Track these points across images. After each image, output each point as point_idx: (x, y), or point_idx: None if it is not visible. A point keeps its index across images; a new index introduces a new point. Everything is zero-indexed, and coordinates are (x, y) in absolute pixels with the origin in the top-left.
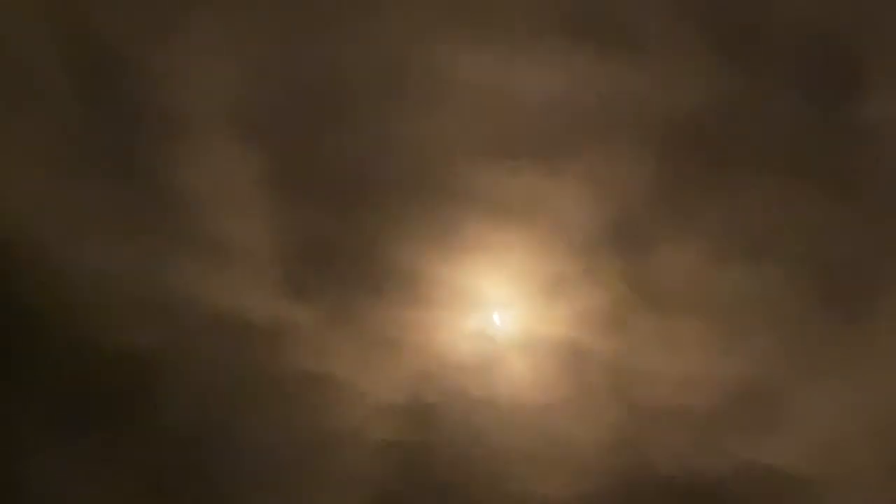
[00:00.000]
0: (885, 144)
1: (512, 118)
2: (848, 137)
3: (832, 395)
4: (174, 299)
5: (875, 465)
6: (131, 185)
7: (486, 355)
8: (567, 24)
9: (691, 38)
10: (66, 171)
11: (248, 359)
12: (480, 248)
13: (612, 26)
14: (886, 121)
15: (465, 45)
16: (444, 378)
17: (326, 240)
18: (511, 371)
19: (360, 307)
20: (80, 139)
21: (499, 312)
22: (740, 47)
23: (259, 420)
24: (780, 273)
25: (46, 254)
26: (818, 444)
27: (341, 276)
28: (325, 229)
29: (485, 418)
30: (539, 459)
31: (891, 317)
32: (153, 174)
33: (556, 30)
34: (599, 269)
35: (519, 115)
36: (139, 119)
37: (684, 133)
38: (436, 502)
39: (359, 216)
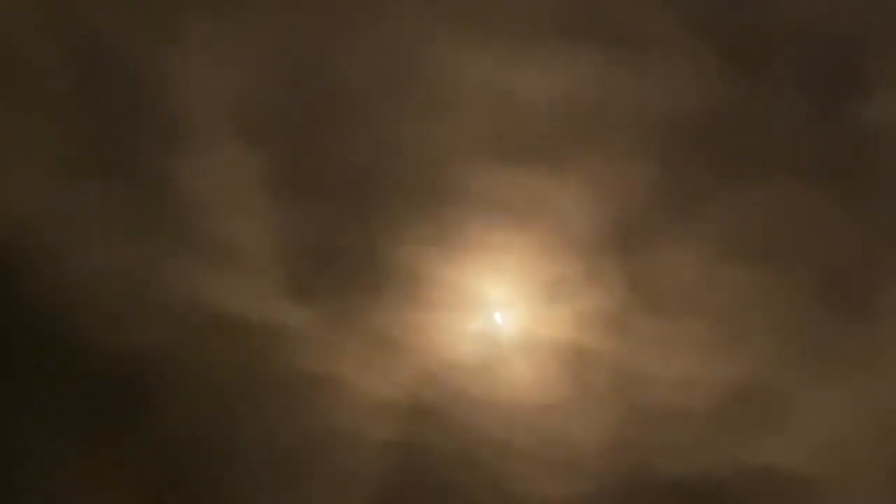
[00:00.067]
0: (886, 146)
1: (514, 119)
2: (849, 139)
3: (833, 395)
4: (175, 299)
5: (876, 465)
6: (133, 185)
7: (487, 356)
8: (568, 26)
9: (692, 40)
10: (67, 172)
11: (250, 359)
12: (481, 249)
13: (614, 28)
14: (888, 122)
15: (466, 46)
16: (445, 379)
17: (328, 241)
18: (512, 372)
19: (361, 308)
20: (82, 140)
21: (500, 313)
22: (742, 49)
23: (260, 420)
24: (781, 274)
25: (47, 254)
26: (819, 444)
27: (342, 276)
28: (326, 230)
29: (485, 419)
30: (540, 460)
31: (892, 317)
32: (154, 175)
33: (557, 32)
34: (601, 270)
35: (521, 117)
36: (140, 120)
37: (685, 134)
38: (436, 501)
39: (360, 217)
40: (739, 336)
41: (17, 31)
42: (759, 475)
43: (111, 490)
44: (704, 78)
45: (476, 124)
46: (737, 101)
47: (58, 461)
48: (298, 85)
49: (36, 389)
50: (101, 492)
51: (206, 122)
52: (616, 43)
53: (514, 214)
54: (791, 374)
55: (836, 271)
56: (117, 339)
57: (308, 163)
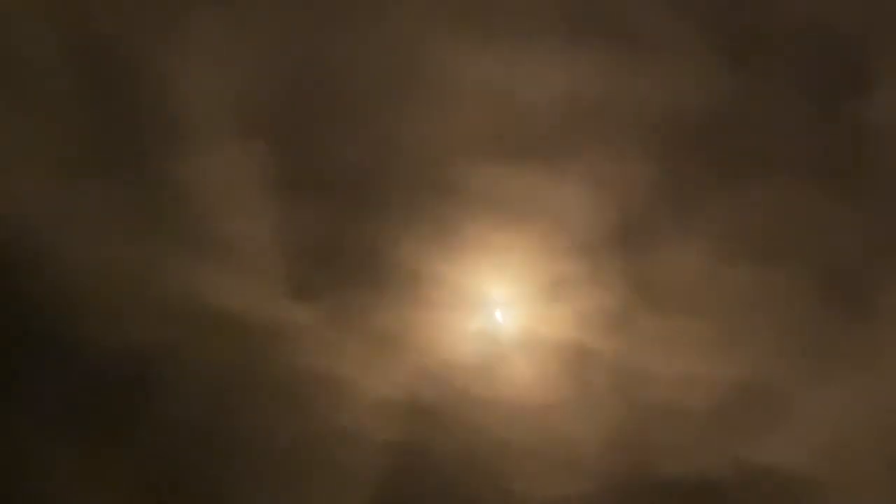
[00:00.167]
0: (887, 145)
1: (514, 119)
2: (850, 138)
3: (833, 395)
4: (176, 299)
5: (876, 464)
6: (133, 185)
7: (487, 355)
8: (569, 26)
9: (693, 38)
10: (67, 172)
11: (251, 358)
12: (482, 249)
13: (614, 27)
14: (889, 122)
15: (467, 46)
16: (446, 378)
17: (328, 239)
18: (513, 371)
19: (362, 307)
20: (82, 140)
21: (500, 312)
22: (743, 47)
23: (261, 418)
24: (782, 273)
25: (48, 253)
26: (820, 444)
27: (343, 275)
28: (326, 229)
29: (486, 418)
30: (540, 459)
31: (892, 317)
32: (155, 174)
33: (557, 30)
34: (601, 269)
35: (521, 116)
36: (141, 120)
37: (686, 133)
38: (437, 501)
39: (361, 216)
40: (740, 335)
41: (18, 31)
42: (759, 474)
43: (111, 490)
44: (705, 77)
45: (477, 123)
46: (737, 101)
47: (58, 460)
48: (299, 84)
49: (36, 389)
50: (101, 491)
51: (207, 122)
52: (617, 42)
53: (515, 213)
54: (791, 373)
55: (837, 271)
56: (118, 339)
57: (309, 162)
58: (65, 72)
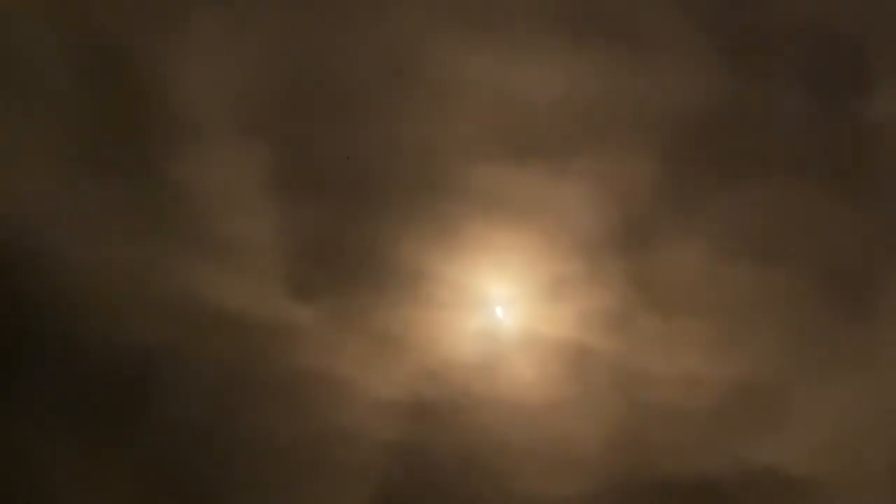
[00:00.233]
0: (888, 145)
1: (515, 118)
2: (851, 138)
3: (834, 394)
4: (177, 298)
5: (877, 464)
6: (134, 184)
7: (489, 354)
8: (570, 25)
9: (695, 38)
10: (68, 171)
11: (251, 357)
12: (483, 248)
13: (615, 26)
14: (890, 121)
15: (468, 45)
16: (447, 377)
17: (329, 239)
18: (513, 370)
19: (363, 306)
20: (84, 139)
21: (501, 311)
22: (744, 46)
23: (262, 418)
24: (782, 273)
25: (49, 253)
26: (821, 443)
27: (344, 274)
28: (327, 228)
29: (487, 417)
30: (541, 458)
31: (893, 317)
32: (156, 173)
33: (558, 30)
34: (603, 268)
35: (522, 115)
36: (142, 119)
37: (688, 133)
38: (438, 500)
39: (361, 215)
40: (740, 335)
41: (18, 31)
42: (759, 474)
43: (112, 489)
44: (706, 76)
45: (477, 123)
46: (738, 100)
47: (58, 460)
48: (299, 84)
49: (36, 388)
50: (101, 491)
51: (208, 122)
52: (618, 41)
53: (516, 213)
54: (792, 373)
55: (837, 271)
56: (118, 338)
57: (309, 161)
58: (65, 72)
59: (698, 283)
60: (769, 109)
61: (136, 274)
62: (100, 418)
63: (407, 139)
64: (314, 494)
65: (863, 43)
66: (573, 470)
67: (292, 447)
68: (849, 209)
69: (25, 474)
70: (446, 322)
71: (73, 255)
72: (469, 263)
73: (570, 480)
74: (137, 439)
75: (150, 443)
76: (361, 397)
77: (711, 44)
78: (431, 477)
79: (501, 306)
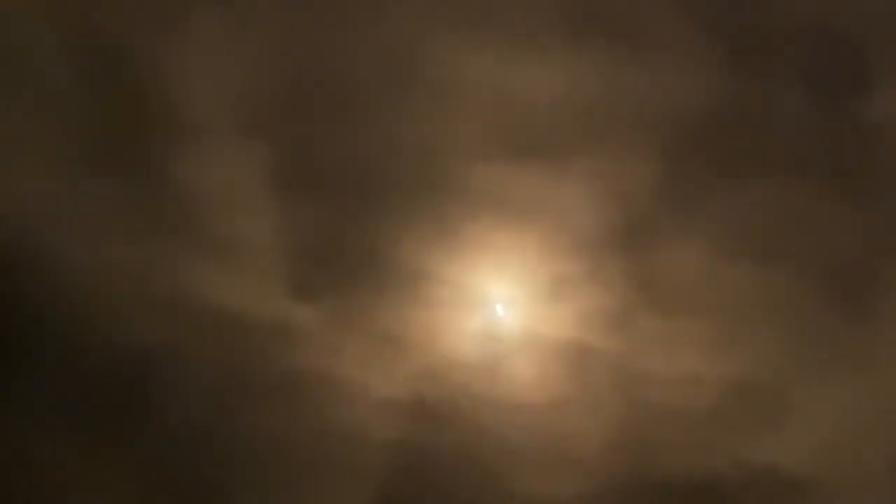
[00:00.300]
0: (888, 144)
1: (515, 118)
2: (852, 137)
3: (835, 394)
4: (177, 298)
5: (877, 464)
6: (135, 184)
7: (489, 354)
8: (570, 25)
9: (695, 38)
10: (69, 170)
11: (253, 357)
12: (484, 248)
13: (616, 26)
14: (890, 120)
15: (467, 45)
16: (448, 377)
17: (331, 238)
18: (515, 370)
19: (363, 306)
20: (84, 138)
21: (502, 311)
22: (744, 46)
23: (263, 417)
24: (783, 272)
25: (52, 252)
26: (821, 443)
27: (344, 274)
28: (328, 228)
29: (487, 417)
30: (541, 458)
31: (893, 316)
32: (157, 173)
33: (558, 29)
34: (603, 268)
35: (522, 115)
36: (143, 118)
37: (688, 132)
38: (439, 500)
39: (363, 215)
40: (741, 335)
41: (18, 30)
42: (759, 474)
43: (112, 489)
44: (707, 76)
45: (478, 123)
46: (738, 100)
47: (59, 459)
48: (299, 84)
49: (37, 388)
50: (102, 491)
51: (208, 122)
52: (618, 41)
53: (517, 213)
54: (792, 372)
55: (838, 271)
56: (119, 338)
57: (310, 161)
58: (65, 72)
59: (698, 282)
60: (769, 109)
61: (137, 274)
62: (100, 418)
63: (407, 139)
64: (314, 494)
65: (863, 43)
66: (573, 469)
67: (293, 447)
68: (849, 209)
69: (26, 474)
70: (446, 322)
71: (73, 254)
72: (469, 263)
73: (570, 480)
74: (138, 439)
75: (151, 443)
76: (362, 397)
77: (711, 44)
78: (431, 476)
79: (502, 306)
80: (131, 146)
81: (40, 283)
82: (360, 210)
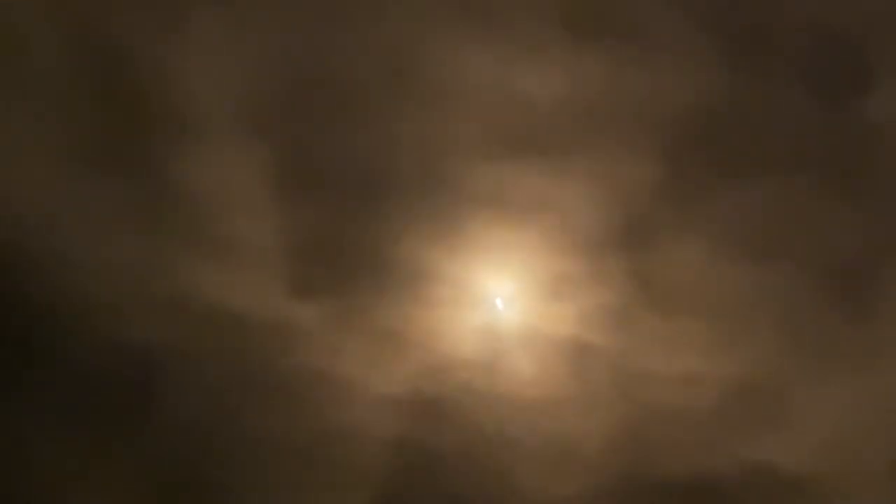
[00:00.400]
0: (889, 144)
1: (517, 117)
2: (853, 136)
3: (835, 393)
4: (178, 296)
5: (878, 463)
6: (137, 184)
7: (490, 352)
8: (570, 24)
9: (696, 37)
10: (70, 170)
11: (254, 356)
12: (485, 246)
13: (617, 26)
14: (891, 120)
15: (468, 43)
16: (449, 375)
17: (331, 237)
18: (515, 368)
19: (365, 304)
20: (86, 137)
21: (503, 310)
22: (746, 46)
23: (264, 416)
24: (784, 272)
25: (53, 251)
26: (820, 442)
27: (346, 273)
28: (330, 227)
29: (488, 414)
30: (542, 455)
31: (893, 316)
32: (159, 172)
33: (558, 29)
34: (603, 267)
35: (524, 114)
36: (144, 117)
37: (688, 132)
38: (439, 498)
39: (363, 214)
40: (741, 334)
41: (20, 27)
42: (760, 472)
43: (114, 488)
44: (707, 76)
45: (478, 122)
46: (739, 100)
47: (60, 459)
48: (301, 83)
49: (38, 388)
50: (103, 490)
51: (209, 122)
52: (619, 40)
53: (517, 211)
54: (792, 371)
55: (838, 270)
56: (120, 337)
57: (310, 160)
58: (65, 73)
59: (698, 281)
60: (769, 109)
61: (137, 273)
62: (100, 418)
63: (407, 138)
64: (315, 492)
65: (863, 43)
66: (573, 467)
67: (293, 446)
68: (849, 209)
69: (26, 473)
70: (447, 321)
71: (74, 254)
72: (470, 262)
73: (570, 478)
74: (139, 439)
75: (152, 442)
76: (363, 395)
77: (712, 43)
78: (432, 474)
79: (502, 304)
80: (132, 146)
81: (41, 282)
82: (361, 209)
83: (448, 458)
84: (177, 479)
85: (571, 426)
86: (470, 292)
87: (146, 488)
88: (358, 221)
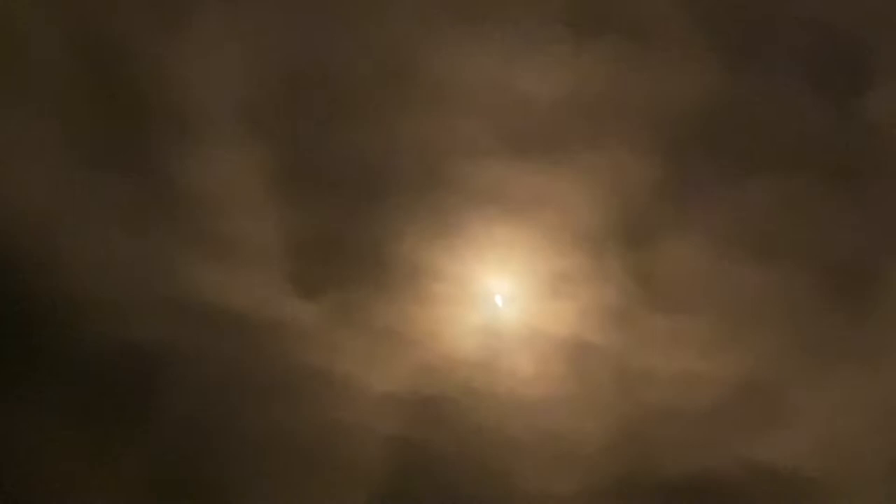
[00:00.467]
0: (891, 142)
1: (517, 115)
2: (855, 135)
3: (836, 392)
4: (178, 295)
5: (877, 461)
6: (137, 181)
7: (490, 350)
8: (571, 21)
9: (698, 36)
10: (71, 168)
11: (254, 354)
12: (486, 244)
13: (618, 24)
14: (892, 118)
15: (470, 42)
16: (449, 373)
17: (331, 235)
18: (514, 366)
19: (365, 302)
20: (86, 136)
21: (503, 308)
22: (747, 45)
23: (265, 414)
24: (784, 270)
25: (53, 250)
26: (821, 441)
27: (346, 271)
28: (330, 225)
29: (488, 413)
30: (541, 454)
31: (894, 315)
32: (159, 171)
33: (559, 27)
34: (603, 265)
35: (524, 112)
36: (145, 115)
37: (690, 130)
38: (439, 495)
39: (365, 212)
40: (741, 333)
41: (22, 25)
42: (760, 472)
43: (115, 487)
44: (709, 74)
45: (479, 119)
46: (741, 98)
47: (61, 458)
48: (301, 82)
49: (40, 386)
50: (104, 488)
51: (210, 120)
52: (621, 38)
53: (518, 209)
54: (793, 371)
55: (839, 269)
56: (121, 336)
57: (311, 159)
58: (66, 72)
59: (699, 280)
60: (770, 108)
61: (138, 272)
62: (102, 417)
63: (408, 136)
64: (316, 491)
65: (863, 42)
66: (573, 466)
67: (294, 444)
68: (850, 207)
69: (27, 473)
70: (447, 318)
71: (74, 253)
72: (470, 260)
73: (569, 476)
74: (141, 436)
75: (154, 440)
76: (362, 393)
77: (713, 42)
78: (432, 472)
79: (502, 302)
80: (131, 145)
81: (41, 281)
82: (361, 207)
83: (447, 456)
84: (177, 476)
85: (571, 425)
86: (470, 291)
87: (147, 486)
88: (357, 220)
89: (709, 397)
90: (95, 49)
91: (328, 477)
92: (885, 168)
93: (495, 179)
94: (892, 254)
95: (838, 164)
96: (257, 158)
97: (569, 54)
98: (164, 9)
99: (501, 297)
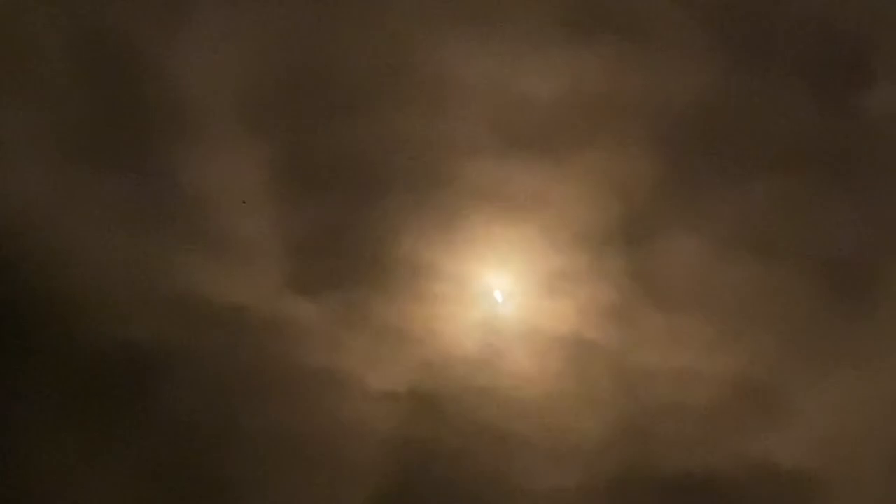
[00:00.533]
0: (889, 139)
1: (517, 114)
2: (855, 132)
3: (834, 390)
4: (179, 293)
5: (877, 460)
6: (138, 180)
7: (490, 348)
8: (571, 21)
9: (697, 35)
10: (72, 166)
11: (254, 352)
12: (486, 243)
13: (618, 22)
14: (891, 116)
15: (469, 40)
16: (449, 370)
17: (331, 234)
18: (514, 363)
19: (364, 300)
20: (87, 134)
21: (503, 305)
22: (747, 43)
23: (265, 412)
24: (784, 269)
25: (53, 248)
26: (820, 439)
27: (345, 270)
28: (329, 224)
29: (487, 410)
30: (541, 451)
31: (894, 314)
32: (160, 169)
33: (559, 26)
34: (603, 263)
35: (524, 111)
36: (145, 114)
37: (689, 128)
38: (439, 492)
39: (363, 210)
40: (740, 331)
41: (23, 24)
42: (759, 469)
43: (115, 485)
44: (708, 73)
45: (478, 118)
46: (739, 96)
47: (60, 454)
48: (301, 81)
49: (39, 384)
50: (105, 487)
51: (210, 119)
52: (620, 38)
53: (518, 207)
54: (792, 368)
55: (838, 266)
56: (121, 334)
57: (312, 157)
58: (67, 71)
59: (698, 278)
60: (769, 107)
61: (138, 271)
62: (103, 414)
63: (407, 135)
64: (315, 487)
65: (863, 40)
66: (572, 462)
67: (293, 441)
68: (849, 205)
69: (29, 468)
70: (447, 316)
71: (74, 252)
72: (469, 258)
73: (568, 473)
74: (141, 434)
75: (154, 437)
76: (363, 391)
77: (712, 42)
78: (431, 469)
79: (502, 300)
80: (132, 144)
81: (41, 280)
82: (360, 205)
83: (447, 452)
84: (176, 473)
85: (570, 421)
86: (469, 289)
87: (146, 484)
88: (357, 219)
89: (707, 395)
90: (97, 49)
91: (328, 473)
92: (885, 166)
93: (495, 178)
94: (892, 253)
95: (837, 163)
96: (257, 157)
97: (568, 54)
98: (164, 8)
99: (501, 295)
